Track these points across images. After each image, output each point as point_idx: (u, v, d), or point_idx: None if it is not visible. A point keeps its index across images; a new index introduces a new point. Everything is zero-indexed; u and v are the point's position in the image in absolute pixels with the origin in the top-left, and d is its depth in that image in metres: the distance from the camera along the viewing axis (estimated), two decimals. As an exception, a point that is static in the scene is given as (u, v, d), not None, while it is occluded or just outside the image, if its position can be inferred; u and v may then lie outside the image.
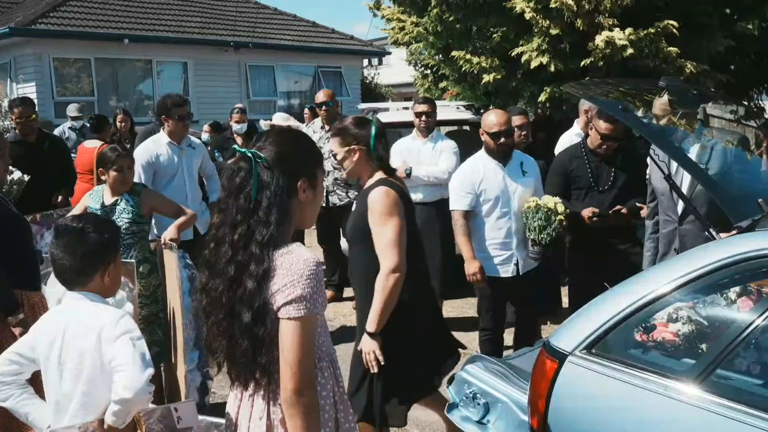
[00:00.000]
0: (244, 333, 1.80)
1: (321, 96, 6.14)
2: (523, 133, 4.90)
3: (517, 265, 4.15)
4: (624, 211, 4.10)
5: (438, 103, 8.35)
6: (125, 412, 2.00)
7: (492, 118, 4.12)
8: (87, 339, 2.11)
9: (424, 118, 5.43)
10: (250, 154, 1.84)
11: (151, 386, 2.02)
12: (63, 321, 2.19)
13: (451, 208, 4.25)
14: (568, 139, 5.26)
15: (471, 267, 4.09)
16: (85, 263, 2.20)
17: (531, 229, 3.99)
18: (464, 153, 6.83)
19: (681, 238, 3.59)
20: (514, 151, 4.21)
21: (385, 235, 2.93)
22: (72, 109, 9.02)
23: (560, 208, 3.95)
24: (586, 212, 4.10)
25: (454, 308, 6.06)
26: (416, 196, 5.41)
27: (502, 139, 4.06)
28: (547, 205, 3.94)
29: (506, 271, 4.16)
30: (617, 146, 4.15)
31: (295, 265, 1.77)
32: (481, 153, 4.25)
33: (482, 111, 7.28)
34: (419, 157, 5.44)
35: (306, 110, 9.26)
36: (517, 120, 4.84)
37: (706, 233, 2.95)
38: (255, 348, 1.80)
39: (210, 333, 1.93)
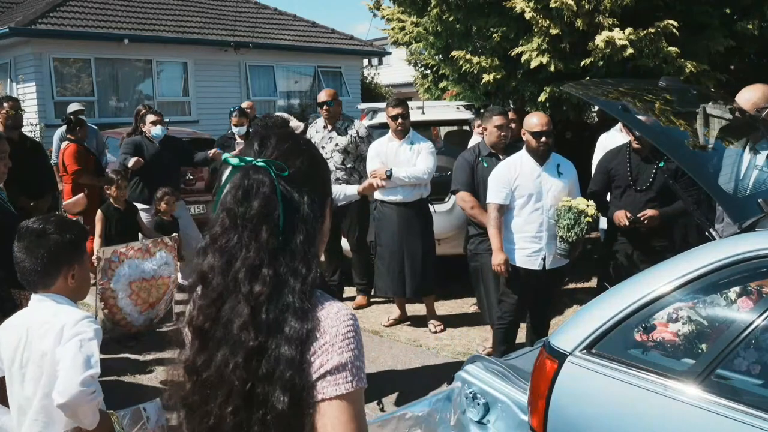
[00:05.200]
0: (275, 426, 1.19)
1: (323, 95, 6.17)
2: (502, 134, 4.89)
3: (544, 259, 4.37)
4: (652, 213, 4.23)
5: (438, 103, 8.36)
6: (73, 416, 1.96)
7: (534, 120, 4.37)
8: (47, 340, 2.06)
9: (400, 120, 5.42)
10: (266, 166, 1.27)
11: (91, 387, 1.94)
12: (26, 323, 2.12)
13: (487, 201, 4.49)
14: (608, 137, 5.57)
15: (497, 258, 4.37)
16: (47, 265, 2.13)
17: (561, 227, 4.20)
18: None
19: None
20: (552, 153, 4.42)
21: None
22: (73, 105, 8.98)
23: (590, 210, 4.13)
24: (620, 215, 4.29)
25: (452, 308, 6.06)
26: (396, 197, 5.47)
27: (543, 139, 4.28)
28: (578, 206, 4.14)
29: (533, 264, 4.39)
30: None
31: (326, 320, 1.23)
32: (522, 152, 4.48)
33: (482, 111, 7.30)
34: (397, 158, 5.44)
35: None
36: (497, 120, 4.88)
37: (706, 233, 2.95)
38: None
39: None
